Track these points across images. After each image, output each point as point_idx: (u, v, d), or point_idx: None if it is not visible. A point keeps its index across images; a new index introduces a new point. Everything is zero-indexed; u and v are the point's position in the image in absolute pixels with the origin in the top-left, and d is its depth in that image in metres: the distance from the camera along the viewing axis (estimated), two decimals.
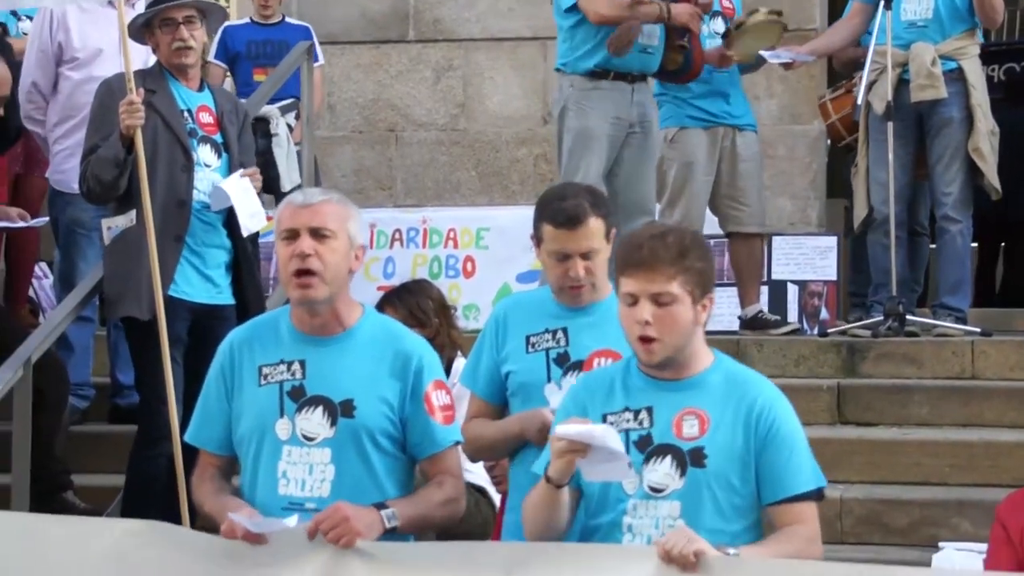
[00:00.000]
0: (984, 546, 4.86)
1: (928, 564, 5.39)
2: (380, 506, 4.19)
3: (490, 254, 9.09)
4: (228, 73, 9.17)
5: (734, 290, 8.44)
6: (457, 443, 4.39)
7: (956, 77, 8.05)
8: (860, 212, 8.29)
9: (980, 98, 8.05)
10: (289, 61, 8.48)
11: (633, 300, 4.07)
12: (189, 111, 6.70)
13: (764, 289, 8.63)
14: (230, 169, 6.75)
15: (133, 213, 6.53)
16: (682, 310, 4.06)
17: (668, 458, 4.07)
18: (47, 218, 7.44)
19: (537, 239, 4.75)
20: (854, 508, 6.74)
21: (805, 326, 8.67)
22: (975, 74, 8.08)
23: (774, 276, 8.70)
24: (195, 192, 6.59)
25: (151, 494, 6.46)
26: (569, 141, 7.82)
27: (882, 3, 7.99)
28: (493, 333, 4.84)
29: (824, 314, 8.76)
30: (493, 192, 10.27)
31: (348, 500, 4.16)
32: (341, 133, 10.50)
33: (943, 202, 8.16)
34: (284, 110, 8.57)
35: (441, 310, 6.30)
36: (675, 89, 8.17)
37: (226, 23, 8.95)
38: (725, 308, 8.56)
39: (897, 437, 7.23)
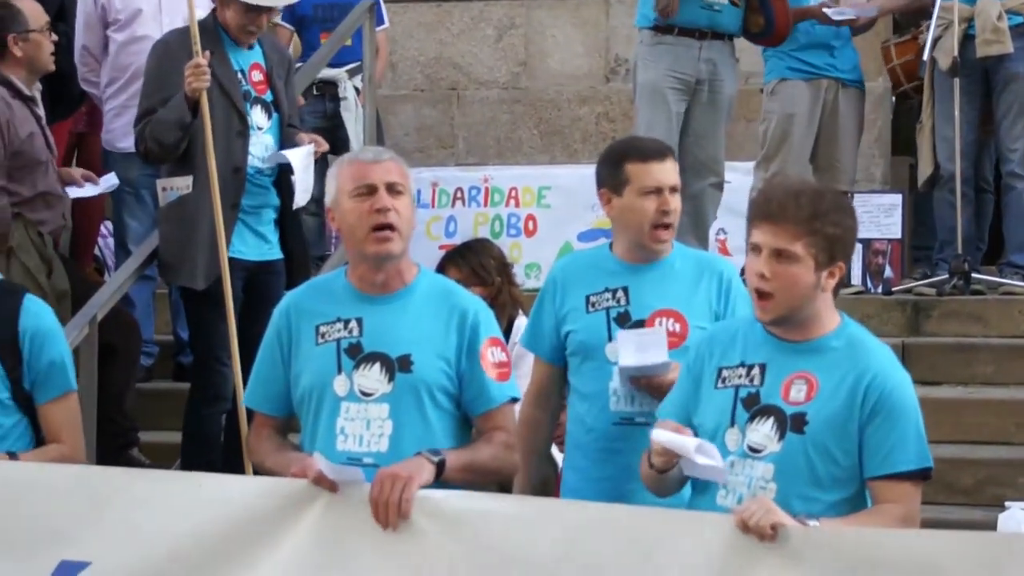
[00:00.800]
0: None
1: (993, 524, 5.34)
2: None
3: (552, 213, 9.08)
4: (295, 35, 9.17)
5: None
6: (512, 400, 4.39)
7: (1022, 32, 7.95)
8: (926, 169, 8.21)
9: None
10: (349, 22, 8.47)
11: (757, 251, 4.01)
12: (243, 71, 6.70)
13: None
14: (280, 130, 6.75)
15: (191, 179, 6.56)
16: (802, 271, 3.97)
17: (771, 420, 4.01)
18: (116, 181, 7.48)
19: (616, 186, 4.73)
20: None
21: (869, 285, 8.61)
22: None
23: None
24: (249, 157, 6.61)
25: (209, 453, 6.54)
26: (637, 96, 7.86)
27: None
28: (552, 293, 4.84)
29: (888, 272, 8.69)
30: (555, 150, 10.24)
31: (406, 455, 4.16)
32: (403, 92, 10.50)
33: (1009, 158, 8.07)
34: (352, 73, 8.60)
35: (502, 268, 6.32)
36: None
37: None
38: None
39: (962, 396, 7.18)
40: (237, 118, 6.61)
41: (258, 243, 6.68)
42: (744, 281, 4.14)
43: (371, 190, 4.27)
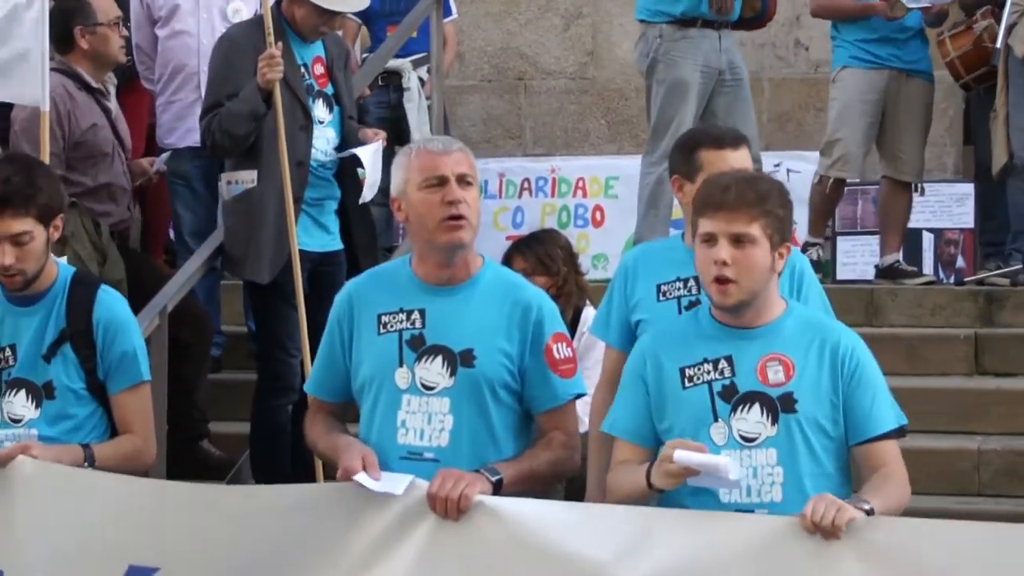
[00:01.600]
0: None
1: None
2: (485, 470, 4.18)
3: (619, 203, 9.04)
4: (362, 27, 9.18)
5: (871, 239, 8.32)
6: (578, 396, 4.36)
7: None
8: (1000, 158, 8.11)
9: None
10: (417, 12, 8.47)
11: (711, 241, 4.05)
12: (305, 65, 6.72)
13: None
14: (342, 123, 6.76)
15: (255, 173, 6.59)
16: (760, 253, 4.04)
17: (756, 406, 4.04)
18: (162, 161, 7.52)
19: (689, 173, 4.71)
20: (992, 460, 6.64)
21: (941, 274, 8.51)
22: None
23: (910, 224, 8.55)
24: (312, 151, 6.63)
25: (278, 445, 6.55)
26: (661, 94, 7.75)
27: None
28: (622, 282, 4.80)
29: (960, 262, 8.60)
30: (622, 141, 10.20)
31: (466, 450, 4.18)
32: (470, 82, 10.49)
33: None
34: (416, 64, 8.59)
35: (569, 259, 6.30)
36: (846, 31, 8.08)
37: None
38: (859, 257, 8.45)
39: None
40: (301, 112, 6.63)
41: (321, 234, 6.71)
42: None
43: (442, 181, 4.25)
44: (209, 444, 7.07)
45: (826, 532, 3.79)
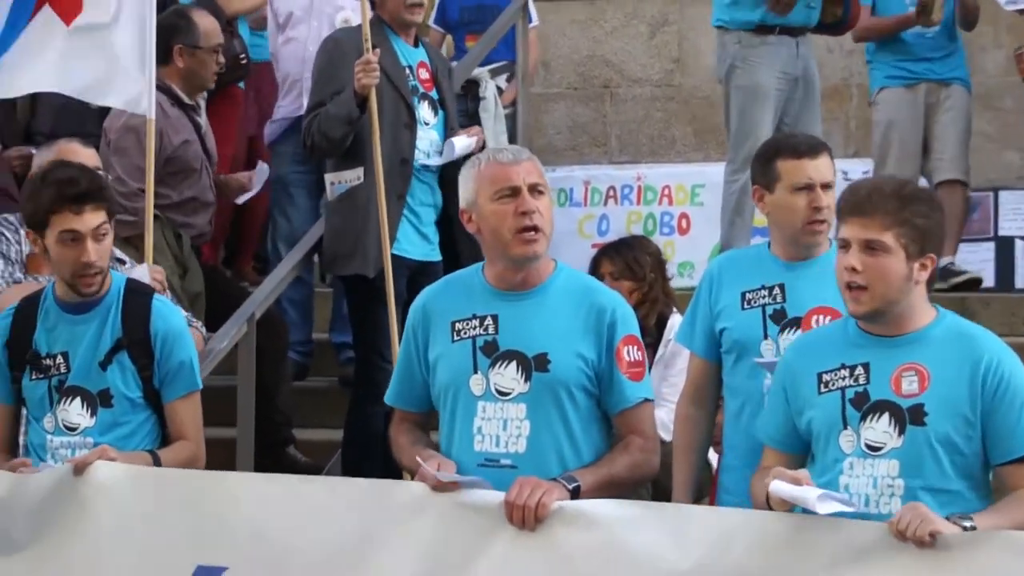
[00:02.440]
0: None
1: None
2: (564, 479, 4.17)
3: (705, 211, 9.00)
4: (446, 37, 9.23)
5: None
6: (647, 400, 4.32)
7: None
8: None
9: None
10: (503, 20, 8.50)
11: (846, 246, 3.99)
12: (410, 67, 6.78)
13: (990, 245, 8.38)
14: (446, 126, 6.81)
15: (360, 171, 6.65)
16: (893, 263, 3.96)
17: (886, 415, 3.97)
18: (265, 169, 7.57)
19: (768, 183, 4.68)
20: None
21: None
22: None
23: (1000, 232, 8.46)
24: (416, 151, 6.66)
25: (370, 452, 6.57)
26: (739, 100, 7.75)
27: None
28: (707, 290, 4.78)
29: None
30: (708, 148, 10.16)
31: (544, 456, 4.17)
32: (555, 90, 10.49)
33: None
34: (494, 73, 8.61)
35: (657, 266, 6.29)
36: (881, 53, 8.03)
37: None
38: None
39: None
40: (405, 110, 6.69)
41: (421, 243, 6.75)
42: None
43: (515, 192, 4.24)
44: (295, 450, 7.11)
45: (913, 541, 3.74)
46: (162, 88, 6.83)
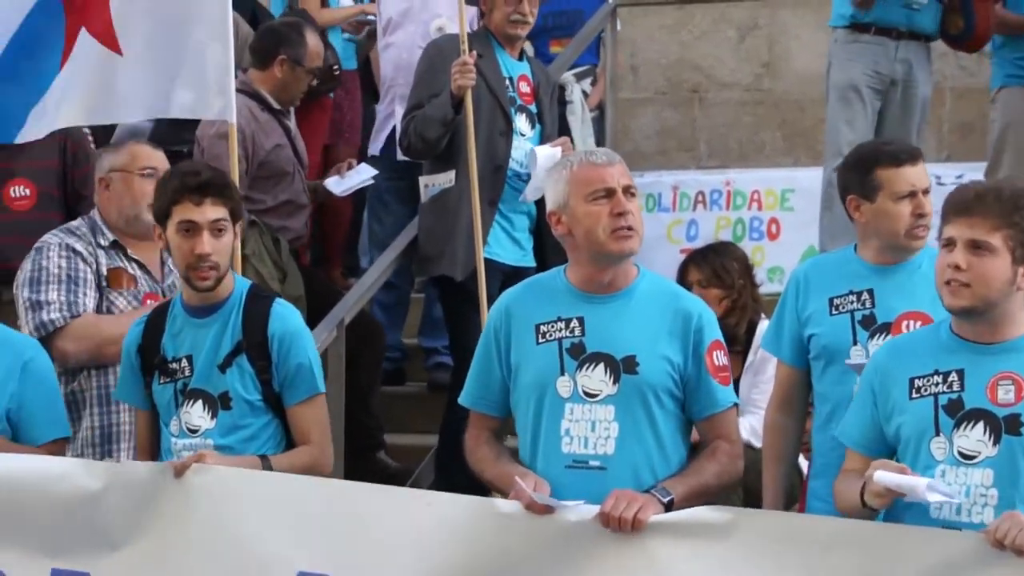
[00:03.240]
0: None
1: None
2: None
3: (795, 216, 8.93)
4: (528, 43, 9.25)
5: None
6: (735, 405, 4.33)
7: None
8: None
9: None
10: (591, 25, 8.53)
11: (951, 245, 3.94)
12: (511, 79, 6.87)
13: None
14: (542, 140, 6.86)
15: (452, 173, 6.72)
16: (998, 264, 3.90)
17: (980, 424, 3.92)
18: (369, 173, 7.59)
19: (867, 192, 4.64)
20: None
21: None
22: None
23: None
24: (510, 160, 6.71)
25: (463, 456, 6.58)
26: (832, 97, 7.72)
27: None
28: (794, 296, 4.76)
29: None
30: (798, 153, 10.09)
31: (631, 458, 4.17)
32: (644, 95, 10.47)
33: None
34: (579, 77, 8.62)
35: (745, 272, 6.25)
36: (1005, 49, 7.93)
37: None
38: None
39: None
40: (502, 118, 6.76)
41: (514, 248, 6.80)
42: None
43: (609, 193, 4.26)
44: (386, 455, 7.14)
45: (1013, 550, 3.69)
46: (251, 94, 6.92)
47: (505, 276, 6.69)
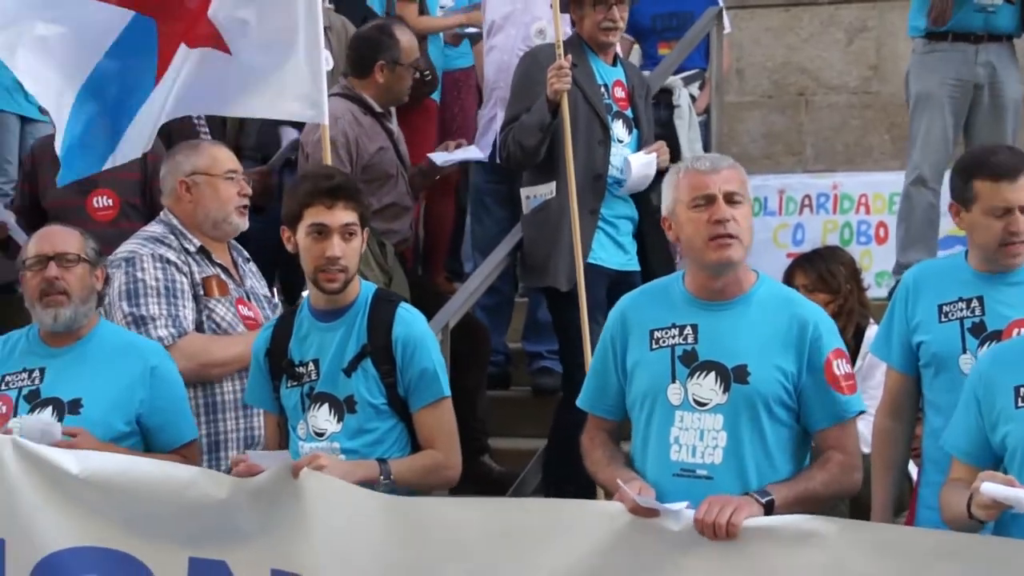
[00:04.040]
0: None
1: None
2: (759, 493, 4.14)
3: None
4: (635, 44, 9.23)
5: None
6: (860, 413, 4.28)
7: None
8: None
9: None
10: (697, 28, 8.48)
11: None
12: (606, 86, 6.85)
13: None
14: (639, 144, 6.85)
15: (553, 185, 6.72)
16: None
17: None
18: (477, 154, 7.60)
19: (965, 201, 4.58)
20: None
21: None
22: None
23: None
24: (609, 167, 6.70)
25: (572, 459, 6.58)
26: (912, 107, 7.69)
27: None
28: (903, 302, 4.71)
29: None
30: (906, 156, 9.95)
31: (738, 468, 4.15)
32: (750, 98, 10.41)
33: None
34: (687, 81, 8.59)
35: (852, 276, 6.19)
36: None
37: None
38: None
39: None
40: (599, 127, 6.75)
41: (618, 252, 6.79)
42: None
43: (709, 200, 4.24)
44: (490, 459, 7.16)
45: None
46: (353, 98, 6.97)
47: (611, 281, 6.69)
